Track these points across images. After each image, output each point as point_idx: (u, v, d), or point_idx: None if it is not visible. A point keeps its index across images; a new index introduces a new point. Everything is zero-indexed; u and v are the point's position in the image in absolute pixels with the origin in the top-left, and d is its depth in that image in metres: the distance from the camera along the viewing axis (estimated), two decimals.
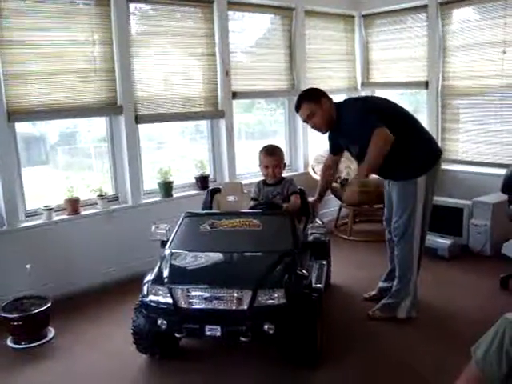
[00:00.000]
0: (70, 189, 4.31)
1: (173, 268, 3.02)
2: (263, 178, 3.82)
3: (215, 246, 3.19)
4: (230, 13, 5.19)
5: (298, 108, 3.55)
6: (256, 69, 5.56)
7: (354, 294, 4.02)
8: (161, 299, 2.89)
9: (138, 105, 4.62)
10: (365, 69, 6.48)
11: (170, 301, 2.85)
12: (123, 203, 4.67)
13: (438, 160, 3.52)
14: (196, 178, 5.11)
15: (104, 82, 4.42)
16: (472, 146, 5.62)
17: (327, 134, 3.73)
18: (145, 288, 2.99)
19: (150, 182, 4.88)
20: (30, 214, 4.21)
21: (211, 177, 5.25)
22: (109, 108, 4.48)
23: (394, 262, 3.69)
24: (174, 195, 4.90)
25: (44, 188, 4.49)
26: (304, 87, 5.75)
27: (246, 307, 2.76)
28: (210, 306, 2.81)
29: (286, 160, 5.98)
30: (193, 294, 2.84)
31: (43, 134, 4.60)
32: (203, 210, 3.92)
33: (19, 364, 3.28)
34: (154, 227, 3.44)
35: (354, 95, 5.97)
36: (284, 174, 5.58)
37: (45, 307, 3.56)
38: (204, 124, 5.35)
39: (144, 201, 4.76)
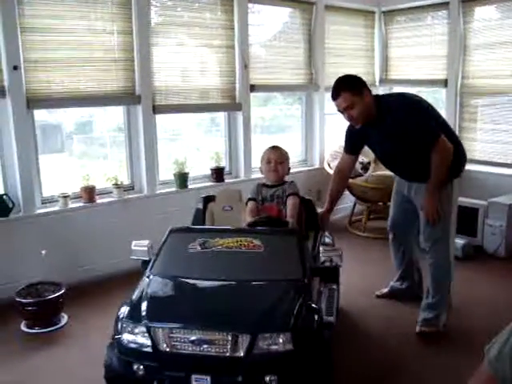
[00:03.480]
0: (86, 177, 4.34)
1: (153, 300, 2.53)
2: (264, 181, 3.40)
3: (206, 273, 2.66)
4: (249, 5, 5.18)
5: (336, 96, 3.17)
6: (274, 62, 5.55)
7: (367, 291, 4.00)
8: (138, 339, 2.37)
9: (155, 95, 4.62)
10: (383, 65, 6.44)
11: (148, 342, 2.34)
12: (139, 193, 4.70)
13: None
14: (211, 169, 5.12)
15: (123, 71, 4.43)
16: (489, 145, 5.58)
17: (345, 131, 3.50)
18: (119, 324, 2.45)
19: (166, 172, 4.90)
20: (46, 201, 4.25)
21: (227, 169, 5.26)
22: (127, 97, 4.50)
23: (402, 262, 3.72)
24: (190, 186, 4.91)
25: (60, 176, 4.52)
26: (322, 82, 5.77)
27: (242, 354, 2.26)
28: (198, 350, 2.29)
29: (301, 155, 6.06)
30: (177, 335, 2.33)
31: (59, 122, 4.64)
32: (194, 220, 3.43)
33: (32, 349, 3.32)
34: (134, 243, 2.93)
35: (373, 92, 5.94)
36: (297, 170, 5.56)
37: (58, 293, 3.60)
38: (220, 116, 5.36)
39: (159, 191, 4.78)
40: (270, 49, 5.61)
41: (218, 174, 5.10)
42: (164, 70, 4.69)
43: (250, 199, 3.29)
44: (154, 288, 2.62)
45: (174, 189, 4.86)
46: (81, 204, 4.34)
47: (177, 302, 2.57)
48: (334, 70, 5.92)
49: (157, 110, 4.64)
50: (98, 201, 4.41)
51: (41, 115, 4.30)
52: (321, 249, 2.84)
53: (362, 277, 4.31)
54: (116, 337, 2.45)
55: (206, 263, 2.74)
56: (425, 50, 6.01)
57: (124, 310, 2.49)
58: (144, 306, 2.46)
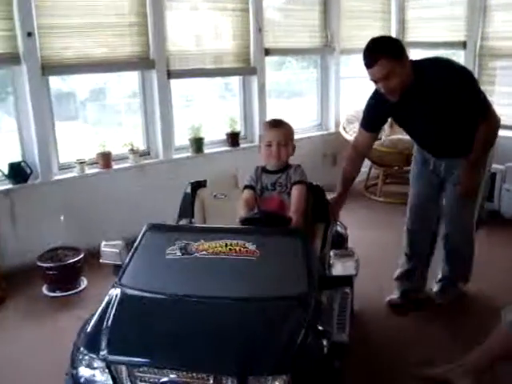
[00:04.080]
0: (102, 143, 4.37)
1: (117, 324, 1.99)
2: (264, 164, 2.79)
3: (185, 287, 2.12)
4: None
5: (372, 63, 2.64)
6: (289, 26, 5.46)
7: (382, 257, 3.99)
8: (96, 377, 1.88)
9: (170, 60, 4.59)
10: (400, 28, 6.31)
11: (108, 382, 1.85)
12: (154, 158, 4.72)
13: None
14: (227, 134, 5.11)
15: (136, 36, 4.40)
16: (508, 109, 5.49)
17: (366, 104, 3.03)
18: (74, 353, 1.96)
19: (181, 138, 4.90)
20: (64, 167, 4.29)
21: (242, 134, 5.25)
22: (141, 62, 4.47)
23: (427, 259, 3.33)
24: (205, 151, 4.92)
25: (75, 143, 4.55)
26: (337, 45, 5.67)
27: None
28: None
29: (317, 119, 6.01)
30: (144, 375, 1.84)
31: (73, 90, 4.64)
32: (181, 209, 2.94)
33: (54, 311, 3.42)
34: (103, 244, 2.42)
35: None
36: (312, 134, 5.39)
37: (77, 258, 3.68)
38: (234, 81, 5.33)
39: (175, 156, 4.79)
40: (285, 12, 5.52)
41: (234, 138, 5.10)
42: (178, 34, 4.65)
43: (246, 187, 2.72)
44: (119, 306, 2.07)
45: (189, 154, 4.87)
46: (97, 170, 4.37)
47: (146, 329, 1.98)
48: (349, 32, 5.83)
49: (171, 74, 4.61)
50: (115, 167, 4.44)
51: (54, 83, 4.29)
52: (331, 254, 2.23)
53: (378, 242, 4.32)
54: (71, 370, 1.95)
55: (185, 274, 2.20)
56: (443, 11, 5.88)
57: (82, 335, 2.00)
58: (106, 331, 1.94)
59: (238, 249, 2.18)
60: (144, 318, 2.06)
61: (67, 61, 4.09)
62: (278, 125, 2.72)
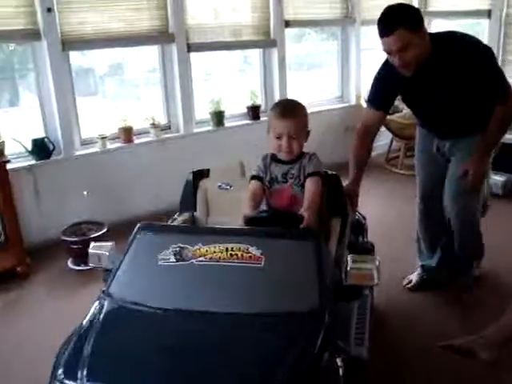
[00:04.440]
0: (123, 118, 4.38)
1: (100, 348, 1.69)
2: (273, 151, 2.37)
3: (179, 301, 1.83)
4: None
5: (388, 32, 2.42)
6: None
7: (402, 229, 3.97)
8: None
9: (189, 33, 4.57)
10: None
11: None
12: (175, 132, 4.73)
13: None
14: (247, 107, 5.10)
15: (155, 9, 4.38)
16: None
17: (373, 79, 2.79)
18: (51, 379, 1.66)
19: (202, 112, 4.90)
20: (86, 143, 4.32)
21: (263, 107, 5.23)
22: (160, 36, 4.46)
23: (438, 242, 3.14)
24: (226, 125, 4.92)
25: (96, 118, 4.57)
26: (358, 16, 5.58)
27: None
28: None
29: (337, 92, 5.95)
30: None
31: (92, 65, 4.65)
32: (182, 204, 2.66)
33: (79, 284, 3.48)
34: (91, 246, 2.14)
35: None
36: (332, 107, 5.24)
37: (101, 232, 3.72)
38: (253, 55, 5.29)
39: (196, 130, 4.80)
40: None
41: (254, 111, 5.09)
42: (197, 7, 4.62)
43: (253, 177, 2.36)
44: (104, 323, 1.80)
45: (210, 127, 4.88)
46: (119, 145, 4.40)
47: (131, 353, 1.69)
48: (370, 3, 5.72)
49: (191, 48, 4.59)
50: (136, 141, 4.47)
51: (73, 58, 4.30)
52: (349, 260, 1.89)
53: (399, 214, 4.31)
54: None
55: (180, 285, 1.90)
56: None
57: (61, 357, 1.71)
58: (86, 354, 1.66)
59: (240, 254, 1.87)
60: (130, 339, 1.76)
61: (86, 36, 4.10)
62: (288, 114, 2.27)
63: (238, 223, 2.11)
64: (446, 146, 2.86)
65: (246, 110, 5.12)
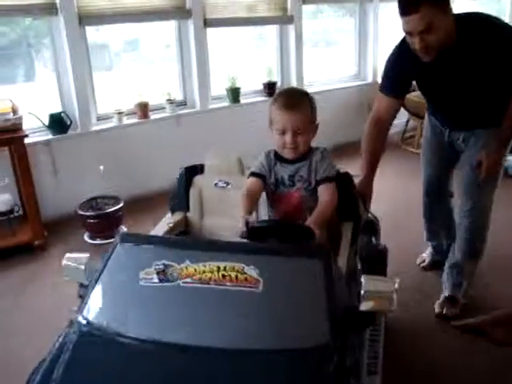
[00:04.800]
0: (140, 93, 4.39)
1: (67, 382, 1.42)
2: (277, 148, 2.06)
3: (162, 331, 1.52)
4: None
5: (411, 10, 2.11)
6: None
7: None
8: None
9: (206, 8, 4.54)
10: None
11: None
12: (191, 108, 4.73)
13: None
14: (264, 84, 5.08)
15: None
16: None
17: (387, 63, 2.53)
18: None
19: (218, 88, 4.89)
20: (102, 118, 4.34)
21: (279, 84, 5.21)
22: (177, 12, 4.44)
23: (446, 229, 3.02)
24: (242, 101, 4.92)
25: (112, 93, 4.58)
26: None
27: None
28: None
29: (354, 69, 5.90)
30: None
31: (107, 40, 4.65)
32: (173, 203, 2.39)
33: (95, 257, 3.51)
34: (66, 257, 1.79)
35: None
36: (349, 84, 5.08)
37: (117, 207, 3.76)
38: (268, 31, 5.25)
39: (212, 106, 4.80)
40: None
41: (270, 88, 5.07)
42: None
43: (253, 174, 2.05)
44: (74, 355, 1.49)
45: (226, 104, 4.87)
46: (135, 120, 4.41)
47: None
48: None
49: (208, 23, 4.57)
50: (152, 117, 4.48)
51: (89, 33, 4.30)
52: (362, 281, 1.55)
53: (414, 193, 4.28)
54: None
55: (164, 311, 1.59)
56: None
57: None
58: None
59: (233, 275, 1.55)
60: (104, 376, 1.45)
61: (103, 11, 4.09)
62: (293, 106, 1.93)
63: (237, 226, 1.82)
64: (461, 137, 2.63)
65: (261, 87, 5.10)
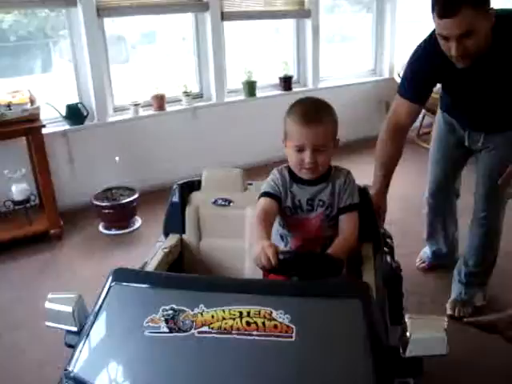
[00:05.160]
0: (156, 85, 4.41)
1: None
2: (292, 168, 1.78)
3: None
4: None
5: (450, 13, 1.85)
6: None
7: None
8: None
9: (223, 1, 4.54)
10: None
11: None
12: (207, 101, 4.73)
13: None
14: (280, 78, 5.08)
15: None
16: None
17: (409, 65, 2.28)
18: None
19: (234, 81, 4.89)
20: (118, 109, 4.36)
21: (295, 78, 5.20)
22: (195, 4, 4.44)
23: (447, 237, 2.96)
24: (258, 95, 4.91)
25: (128, 85, 4.59)
26: None
27: None
28: None
29: (370, 65, 5.87)
30: None
31: (123, 33, 4.66)
32: (167, 223, 2.15)
33: (110, 247, 3.56)
34: (49, 297, 1.47)
35: None
36: (365, 80, 5.06)
37: (132, 198, 3.78)
38: (284, 26, 5.24)
39: (228, 99, 4.80)
40: None
41: (286, 82, 5.06)
42: None
43: (266, 194, 1.77)
44: None
45: (242, 97, 4.88)
46: (151, 112, 4.43)
47: None
48: None
49: (225, 16, 4.57)
50: (168, 109, 4.49)
51: (106, 26, 4.32)
52: (408, 323, 1.28)
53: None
54: None
55: (177, 368, 1.29)
56: None
57: None
58: None
59: (260, 322, 1.28)
60: None
61: (121, 2, 4.10)
62: (313, 119, 1.66)
63: (241, 247, 1.62)
64: (480, 138, 2.44)
65: (277, 81, 5.09)
